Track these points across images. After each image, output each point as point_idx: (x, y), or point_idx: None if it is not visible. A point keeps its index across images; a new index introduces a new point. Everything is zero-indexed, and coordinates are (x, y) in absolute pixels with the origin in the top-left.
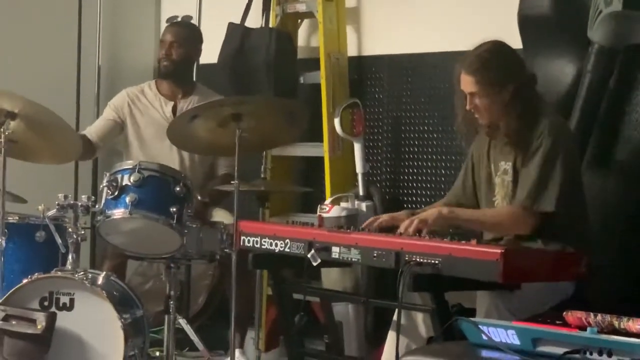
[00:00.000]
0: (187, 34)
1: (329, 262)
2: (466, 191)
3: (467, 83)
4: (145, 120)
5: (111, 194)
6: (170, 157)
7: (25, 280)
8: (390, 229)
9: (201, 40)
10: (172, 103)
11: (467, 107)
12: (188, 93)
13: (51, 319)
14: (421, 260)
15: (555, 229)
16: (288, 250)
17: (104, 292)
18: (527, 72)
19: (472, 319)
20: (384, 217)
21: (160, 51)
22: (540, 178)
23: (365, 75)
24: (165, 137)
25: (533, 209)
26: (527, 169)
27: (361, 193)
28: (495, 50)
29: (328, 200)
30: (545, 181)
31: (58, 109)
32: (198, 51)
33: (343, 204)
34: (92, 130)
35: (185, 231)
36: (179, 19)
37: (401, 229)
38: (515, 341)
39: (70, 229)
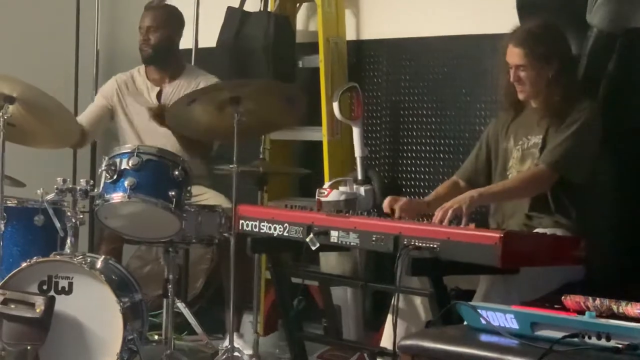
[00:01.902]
0: (164, 16)
1: (328, 246)
2: (478, 168)
3: (514, 55)
4: (136, 106)
5: (110, 178)
6: (162, 142)
7: (24, 264)
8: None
9: (181, 21)
10: (157, 89)
11: (511, 80)
12: (175, 76)
13: (50, 302)
14: (420, 244)
15: (570, 203)
16: (287, 234)
17: (102, 275)
18: (571, 51)
19: (470, 303)
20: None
21: (139, 38)
22: (570, 144)
23: (364, 59)
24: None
25: (554, 169)
26: (560, 134)
27: (360, 177)
28: (544, 26)
29: (327, 184)
30: (573, 148)
31: (57, 94)
32: (179, 32)
33: (342, 188)
34: (83, 117)
35: (184, 215)
36: (154, 3)
37: (436, 220)
38: (514, 325)
39: (69, 213)
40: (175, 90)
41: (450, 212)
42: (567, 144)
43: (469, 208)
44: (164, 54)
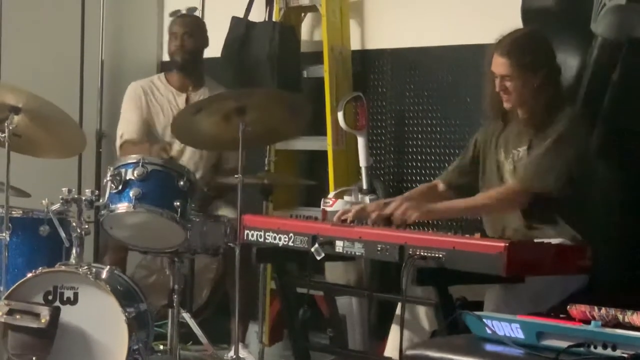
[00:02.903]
0: (195, 24)
1: (333, 256)
2: (461, 170)
3: (499, 65)
4: (157, 112)
5: (115, 188)
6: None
7: (29, 275)
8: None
9: (206, 30)
10: (184, 95)
11: (497, 90)
12: (198, 85)
13: (55, 313)
14: (425, 254)
15: (560, 214)
16: (292, 244)
17: (108, 286)
18: (556, 60)
19: (476, 312)
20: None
21: (171, 44)
22: (543, 159)
23: (369, 69)
24: None
25: (526, 187)
26: (535, 150)
27: (365, 187)
28: (530, 35)
29: (331, 194)
30: (546, 162)
31: (62, 104)
32: (206, 41)
33: (346, 198)
34: (133, 130)
35: (189, 225)
36: (183, 12)
37: (385, 209)
38: (520, 335)
39: (74, 223)
40: (202, 97)
41: (402, 208)
42: (541, 159)
43: (418, 217)
44: (195, 61)
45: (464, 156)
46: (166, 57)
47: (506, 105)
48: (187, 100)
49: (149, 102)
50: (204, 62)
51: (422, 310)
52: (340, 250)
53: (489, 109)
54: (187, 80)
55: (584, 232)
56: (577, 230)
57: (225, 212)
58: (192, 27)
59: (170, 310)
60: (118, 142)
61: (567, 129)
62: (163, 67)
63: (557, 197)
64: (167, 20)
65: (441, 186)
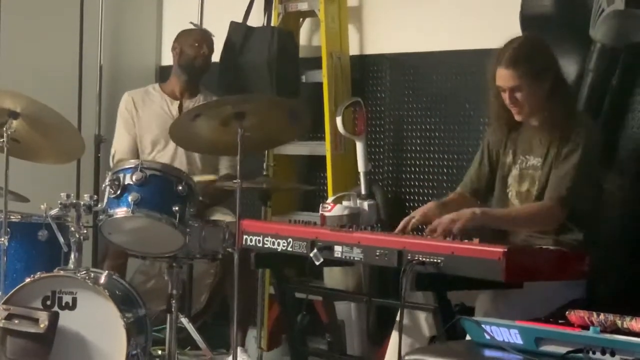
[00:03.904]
0: (213, 44)
1: (332, 261)
2: (480, 176)
3: (506, 77)
4: (149, 121)
5: (113, 193)
6: (176, 156)
7: (27, 279)
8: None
9: None
10: (177, 102)
11: (507, 102)
12: (194, 93)
13: (54, 318)
14: (423, 259)
15: (576, 227)
16: (290, 249)
17: (106, 291)
18: (558, 62)
19: (475, 318)
20: (417, 217)
21: (194, 50)
22: (578, 177)
23: (367, 74)
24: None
25: (566, 205)
26: (563, 165)
27: (363, 192)
28: (530, 42)
29: (330, 199)
30: (581, 181)
31: (60, 109)
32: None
33: (345, 203)
34: (126, 153)
35: (188, 230)
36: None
37: (428, 232)
38: (518, 340)
39: (72, 228)
40: (195, 105)
41: (445, 222)
42: (571, 177)
43: (465, 222)
44: (203, 74)
45: (481, 161)
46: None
47: (518, 117)
48: (180, 107)
49: (140, 113)
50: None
51: (422, 316)
52: (339, 256)
53: (495, 123)
54: (185, 87)
55: (584, 241)
56: (575, 241)
57: (224, 217)
58: (209, 41)
59: (168, 315)
60: (111, 161)
61: (588, 144)
62: (162, 73)
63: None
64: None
65: (467, 195)
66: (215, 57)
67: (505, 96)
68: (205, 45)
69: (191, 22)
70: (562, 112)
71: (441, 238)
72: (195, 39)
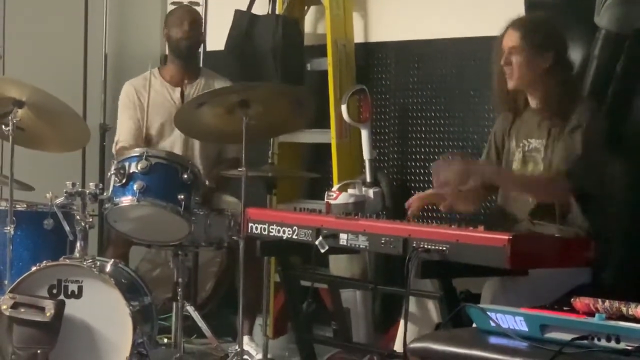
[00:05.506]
0: (198, 14)
1: (337, 249)
2: None
3: (511, 36)
4: (153, 110)
5: (119, 182)
6: (180, 142)
7: (33, 268)
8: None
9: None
10: (179, 89)
11: (502, 62)
12: (194, 77)
13: (60, 306)
14: (429, 246)
15: (582, 213)
16: (296, 237)
17: (112, 279)
18: (568, 50)
19: (480, 305)
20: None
21: (175, 31)
22: (582, 153)
23: (372, 62)
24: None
25: (571, 178)
26: (569, 143)
27: (368, 179)
28: (545, 19)
29: (335, 187)
30: (585, 157)
31: (65, 97)
32: (204, 36)
33: (350, 191)
34: (129, 139)
35: (193, 218)
36: (186, 2)
37: (437, 185)
38: (524, 327)
39: (78, 217)
40: (197, 90)
41: (461, 175)
42: (575, 152)
43: (480, 177)
44: (196, 52)
45: (488, 152)
46: None
47: (509, 84)
48: (182, 94)
49: (142, 102)
50: (198, 54)
51: (431, 304)
52: (345, 243)
53: (498, 103)
54: (184, 71)
55: (588, 227)
56: (579, 227)
57: (229, 204)
58: (197, 17)
59: (174, 304)
60: (114, 148)
61: (590, 125)
62: (166, 61)
63: (585, 193)
64: (170, 9)
65: None
66: (220, 46)
67: (504, 56)
68: (187, 22)
69: (172, 3)
70: (561, 94)
71: (454, 190)
72: (177, 17)
